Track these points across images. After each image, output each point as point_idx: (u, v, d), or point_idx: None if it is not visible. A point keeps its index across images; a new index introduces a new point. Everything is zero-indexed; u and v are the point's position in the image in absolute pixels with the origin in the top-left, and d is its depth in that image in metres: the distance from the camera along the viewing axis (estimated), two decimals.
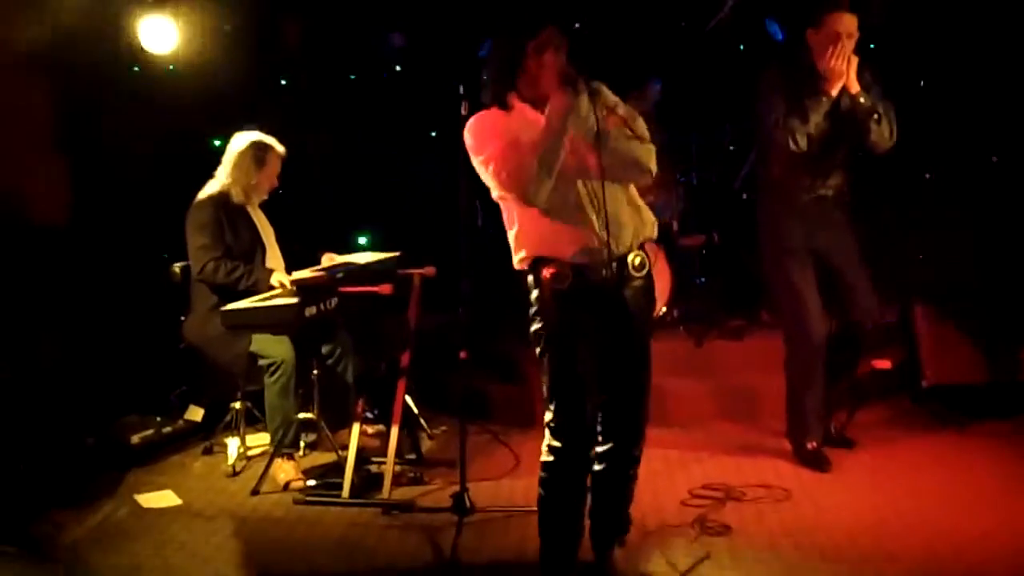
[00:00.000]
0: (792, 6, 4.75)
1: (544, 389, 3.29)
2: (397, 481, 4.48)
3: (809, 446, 4.60)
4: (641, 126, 3.30)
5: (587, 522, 3.46)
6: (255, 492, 4.53)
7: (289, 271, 4.72)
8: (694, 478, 4.47)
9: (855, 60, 4.22)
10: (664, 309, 6.02)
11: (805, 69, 4.32)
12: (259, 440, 5.14)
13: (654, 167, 3.29)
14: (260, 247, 4.82)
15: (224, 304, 4.36)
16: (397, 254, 4.93)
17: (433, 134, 6.32)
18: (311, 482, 4.56)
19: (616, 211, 3.20)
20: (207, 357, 4.77)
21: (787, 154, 4.35)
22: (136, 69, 5.69)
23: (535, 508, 3.39)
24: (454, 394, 4.76)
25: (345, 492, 4.37)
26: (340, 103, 6.41)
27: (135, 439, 4.98)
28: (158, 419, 5.20)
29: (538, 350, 3.26)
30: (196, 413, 5.35)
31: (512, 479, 4.58)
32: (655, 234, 3.40)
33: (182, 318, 4.87)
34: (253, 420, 5.09)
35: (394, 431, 4.53)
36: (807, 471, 4.52)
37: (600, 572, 3.49)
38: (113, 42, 5.46)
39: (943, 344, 5.26)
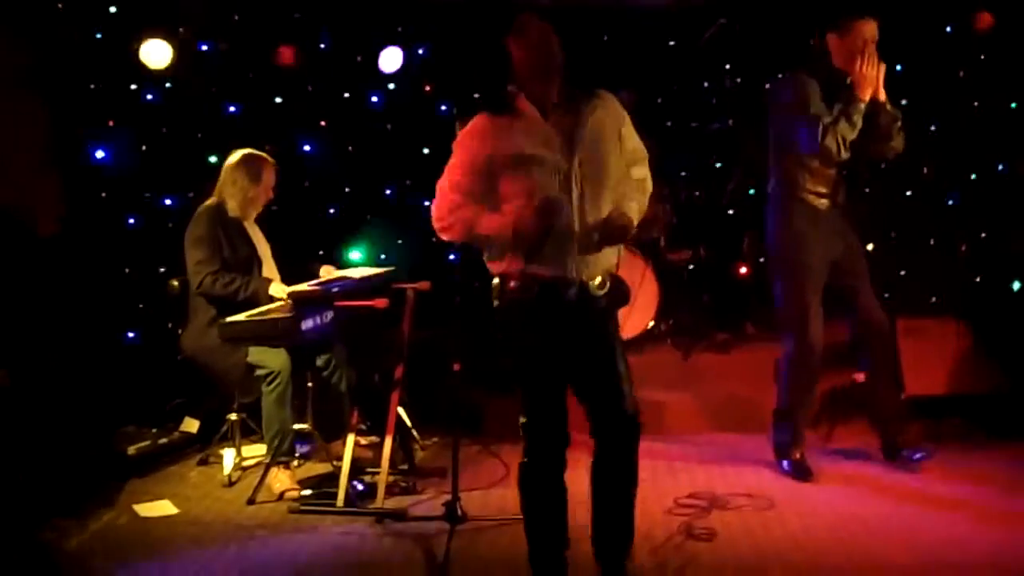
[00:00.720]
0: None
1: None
2: (390, 491, 4.56)
3: (795, 456, 4.70)
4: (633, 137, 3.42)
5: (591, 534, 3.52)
6: (251, 501, 4.61)
7: (285, 285, 4.81)
8: (681, 487, 4.57)
9: (883, 67, 4.27)
10: (652, 323, 6.13)
11: (832, 74, 4.36)
12: (255, 451, 5.22)
13: (640, 214, 3.37)
14: (256, 261, 4.90)
15: (222, 317, 4.45)
16: (392, 269, 5.03)
17: (426, 151, 6.40)
18: (306, 492, 4.65)
19: (591, 234, 3.27)
20: (204, 368, 4.83)
21: (817, 162, 4.41)
22: (133, 87, 5.79)
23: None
24: (446, 406, 4.84)
25: (339, 501, 4.46)
26: (335, 121, 6.50)
27: (132, 450, 5.06)
28: (154, 430, 5.28)
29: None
30: (192, 425, 5.43)
31: (503, 488, 4.66)
32: (617, 263, 3.44)
33: (180, 331, 4.95)
34: (249, 431, 5.16)
35: (387, 442, 4.60)
36: (790, 481, 4.62)
37: None
38: (110, 60, 5.57)
39: (923, 357, 5.34)
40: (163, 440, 5.26)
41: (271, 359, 4.66)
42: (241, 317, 4.36)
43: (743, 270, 6.56)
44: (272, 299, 4.64)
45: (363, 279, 4.73)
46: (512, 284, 3.30)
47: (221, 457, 4.99)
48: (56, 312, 5.22)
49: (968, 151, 6.11)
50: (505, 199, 3.27)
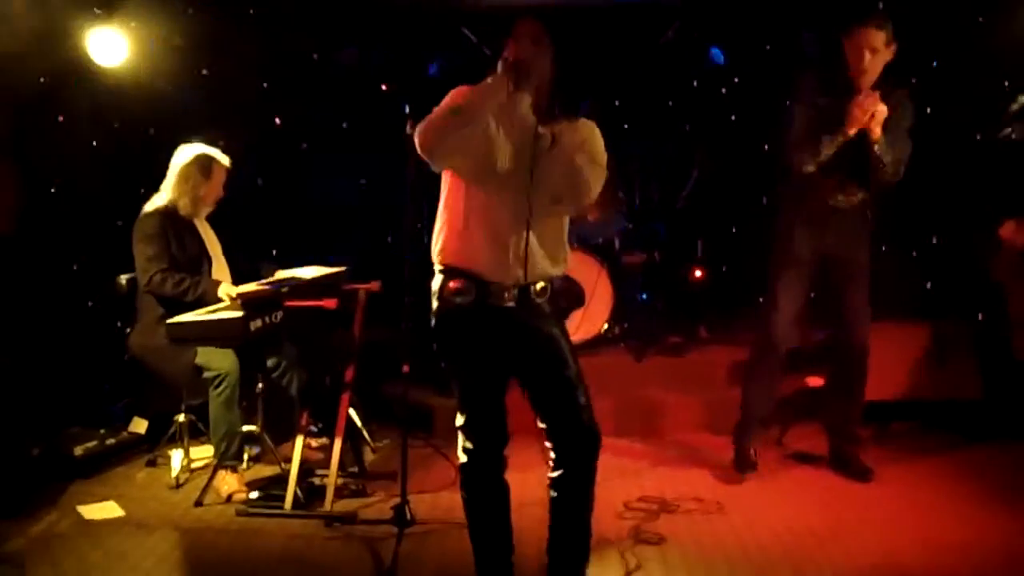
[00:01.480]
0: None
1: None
2: (339, 493, 4.54)
3: (747, 450, 4.79)
4: (599, 148, 3.31)
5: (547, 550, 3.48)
6: (198, 503, 4.56)
7: (235, 284, 4.76)
8: (631, 491, 4.58)
9: (883, 111, 4.15)
10: (606, 326, 6.15)
11: (840, 74, 4.32)
12: (203, 452, 5.16)
13: (595, 194, 3.27)
14: (207, 259, 4.85)
15: (170, 316, 4.38)
16: (343, 269, 4.99)
17: (379, 151, 6.38)
18: (254, 494, 4.59)
19: (537, 243, 3.25)
20: (152, 369, 4.77)
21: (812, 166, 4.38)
22: (85, 80, 5.69)
23: None
24: (397, 408, 4.82)
25: (287, 504, 4.43)
26: (289, 117, 6.45)
27: (78, 450, 4.98)
28: (102, 431, 5.20)
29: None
30: (140, 425, 5.36)
31: (452, 492, 4.59)
32: (562, 273, 3.41)
33: (127, 330, 4.89)
34: (197, 433, 5.10)
35: (337, 444, 4.58)
36: (740, 485, 4.66)
37: None
38: (62, 53, 5.47)
39: (885, 361, 5.39)
40: (111, 441, 5.18)
41: (219, 361, 4.60)
42: (189, 317, 4.30)
43: (697, 274, 6.59)
44: (220, 300, 4.59)
45: (313, 279, 4.69)
46: (452, 285, 3.27)
47: (169, 458, 4.93)
48: (3, 309, 5.12)
49: (939, 153, 6.14)
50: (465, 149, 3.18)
